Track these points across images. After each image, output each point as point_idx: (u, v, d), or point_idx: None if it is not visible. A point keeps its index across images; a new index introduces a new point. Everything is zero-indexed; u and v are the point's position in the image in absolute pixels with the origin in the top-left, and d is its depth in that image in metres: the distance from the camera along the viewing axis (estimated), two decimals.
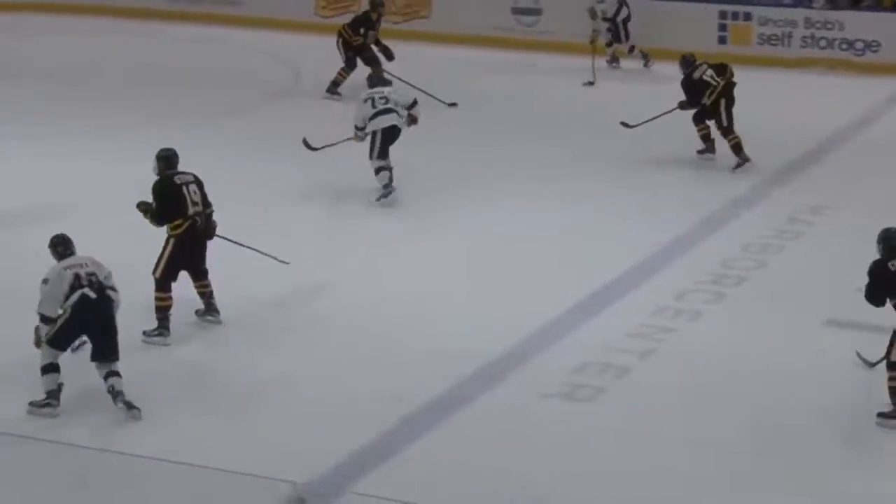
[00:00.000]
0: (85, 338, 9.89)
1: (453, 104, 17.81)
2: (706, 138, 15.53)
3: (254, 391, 10.05)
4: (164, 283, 10.84)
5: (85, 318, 9.61)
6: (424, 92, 16.91)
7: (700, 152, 15.66)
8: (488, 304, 11.54)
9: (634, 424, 9.52)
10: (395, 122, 14.25)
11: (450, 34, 21.53)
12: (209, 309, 11.14)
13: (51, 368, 9.59)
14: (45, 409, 9.51)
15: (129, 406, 9.54)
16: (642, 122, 15.76)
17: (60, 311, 9.60)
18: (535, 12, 21.63)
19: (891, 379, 9.53)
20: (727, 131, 15.30)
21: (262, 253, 11.60)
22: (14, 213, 13.26)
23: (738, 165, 15.30)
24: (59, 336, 9.61)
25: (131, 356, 9.93)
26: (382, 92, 14.51)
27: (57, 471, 8.83)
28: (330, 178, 14.71)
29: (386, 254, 12.86)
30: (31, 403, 9.55)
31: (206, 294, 11.11)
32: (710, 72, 15.31)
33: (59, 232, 10.00)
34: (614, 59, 20.54)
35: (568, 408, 9.79)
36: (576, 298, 11.65)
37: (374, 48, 18.65)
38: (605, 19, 20.29)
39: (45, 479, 8.64)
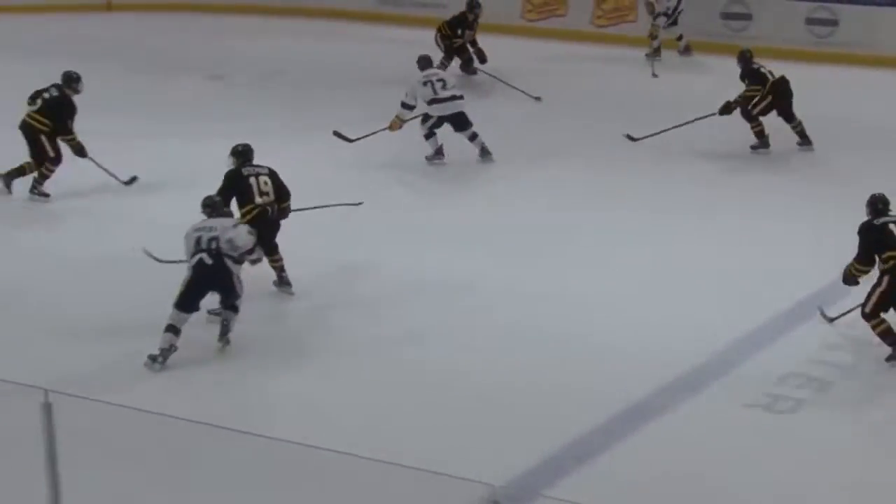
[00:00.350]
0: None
1: (538, 98, 18.07)
2: (760, 134, 15.96)
3: (438, 386, 10.12)
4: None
5: (202, 279, 10.45)
6: (512, 86, 17.91)
7: (753, 147, 16.01)
8: (689, 310, 11.46)
9: (834, 438, 9.38)
10: (462, 109, 15.30)
11: None
12: (282, 281, 11.78)
13: (171, 329, 10.34)
14: (154, 364, 10.25)
15: (223, 335, 10.50)
16: (650, 135, 15.90)
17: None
18: (746, 17, 21.35)
19: (872, 327, 10.53)
20: (753, 118, 15.86)
21: (333, 205, 12.55)
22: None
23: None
24: (183, 298, 10.42)
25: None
26: (439, 74, 15.66)
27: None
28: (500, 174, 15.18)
29: (562, 252, 12.82)
30: (149, 356, 10.26)
31: (277, 268, 11.75)
32: (767, 67, 15.96)
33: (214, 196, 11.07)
34: (687, 50, 20.86)
35: (768, 419, 9.67)
36: (777, 308, 11.50)
37: (470, 49, 19.23)
38: (665, 14, 20.56)
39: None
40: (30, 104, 13.76)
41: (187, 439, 8.55)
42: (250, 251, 10.92)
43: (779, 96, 15.85)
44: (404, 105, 15.36)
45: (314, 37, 22.05)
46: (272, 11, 23.32)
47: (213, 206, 10.93)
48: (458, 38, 19.23)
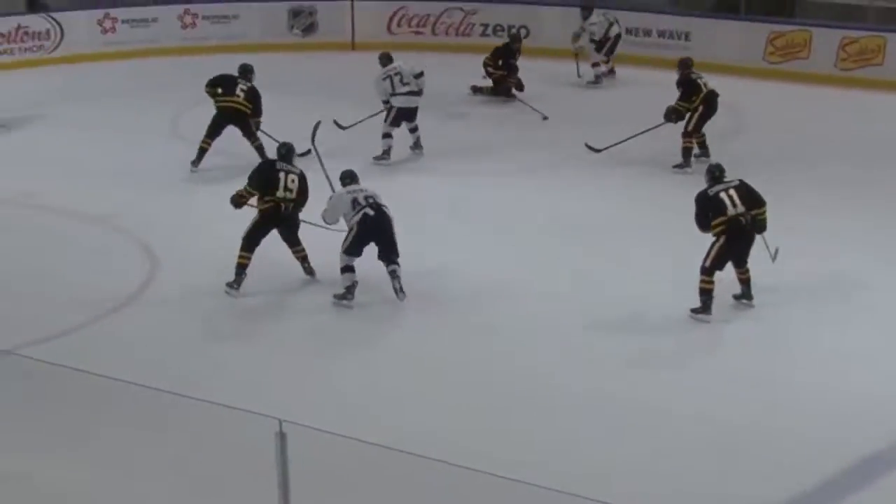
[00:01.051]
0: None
1: (545, 118, 18.98)
2: (687, 152, 16.48)
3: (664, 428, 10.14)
4: (247, 244, 12.51)
5: (368, 230, 12.07)
6: (531, 106, 19.09)
7: (676, 167, 16.43)
8: None
9: None
10: (417, 104, 16.68)
11: None
12: (307, 271, 12.84)
13: (348, 269, 12.13)
14: (344, 301, 12.11)
15: (399, 291, 12.02)
16: (612, 145, 16.56)
17: (346, 224, 12.15)
18: None
19: (701, 281, 11.76)
20: (688, 134, 16.43)
21: (314, 224, 12.88)
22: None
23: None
24: (351, 246, 12.12)
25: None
26: (396, 68, 16.77)
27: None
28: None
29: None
30: (334, 295, 12.13)
31: (301, 258, 12.84)
32: (704, 79, 16.55)
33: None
34: (610, 73, 21.42)
35: None
36: None
37: (510, 79, 19.93)
38: (594, 41, 21.17)
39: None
40: (226, 93, 16.07)
41: (419, 474, 8.53)
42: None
43: (707, 108, 16.33)
44: (385, 102, 16.79)
45: (552, 77, 22.07)
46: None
47: (352, 177, 12.53)
48: (500, 69, 20.03)
